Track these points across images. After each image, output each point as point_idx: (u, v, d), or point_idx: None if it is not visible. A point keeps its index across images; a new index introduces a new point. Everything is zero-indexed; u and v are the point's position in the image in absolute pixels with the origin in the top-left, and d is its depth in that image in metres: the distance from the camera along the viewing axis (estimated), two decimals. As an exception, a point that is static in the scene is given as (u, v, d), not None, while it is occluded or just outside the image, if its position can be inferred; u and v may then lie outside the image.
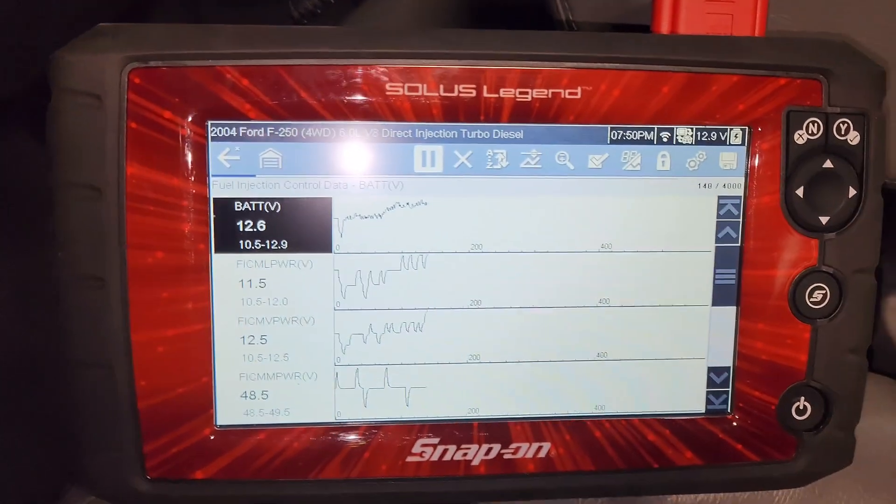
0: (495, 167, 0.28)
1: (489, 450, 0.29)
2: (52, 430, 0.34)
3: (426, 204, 0.28)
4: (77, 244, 0.26)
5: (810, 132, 0.28)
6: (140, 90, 0.26)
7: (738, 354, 0.30)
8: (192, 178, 0.27)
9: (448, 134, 0.27)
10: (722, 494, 0.33)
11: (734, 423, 0.30)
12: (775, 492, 0.33)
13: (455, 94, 0.27)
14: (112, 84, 0.26)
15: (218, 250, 0.27)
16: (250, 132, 0.27)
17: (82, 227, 0.26)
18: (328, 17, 0.39)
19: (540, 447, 0.29)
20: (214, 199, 0.27)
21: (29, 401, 0.43)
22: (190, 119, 0.26)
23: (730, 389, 0.30)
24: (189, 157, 0.26)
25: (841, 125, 0.28)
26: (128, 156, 0.26)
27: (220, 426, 0.28)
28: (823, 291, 0.29)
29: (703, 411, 0.30)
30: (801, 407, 0.30)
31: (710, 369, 0.30)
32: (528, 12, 0.38)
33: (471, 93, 0.27)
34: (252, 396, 0.28)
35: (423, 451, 0.29)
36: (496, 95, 0.27)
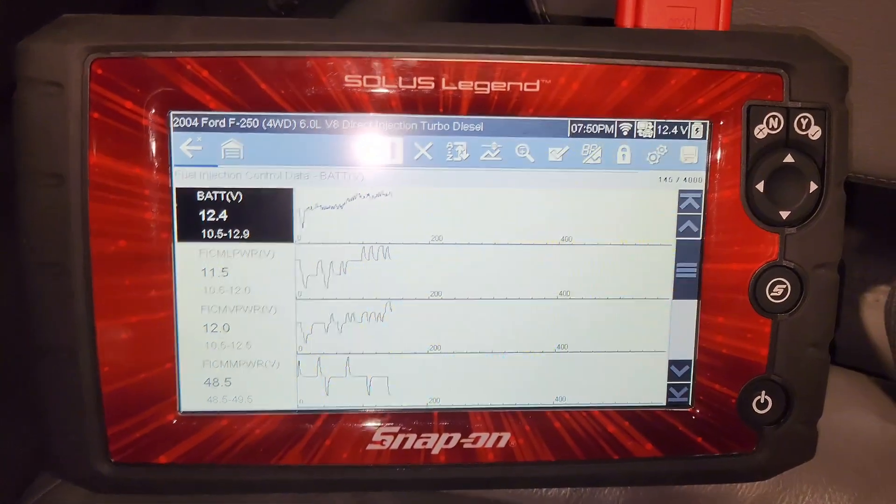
0: (455, 159, 0.28)
1: (449, 439, 0.29)
2: (23, 418, 0.34)
3: (387, 195, 0.28)
4: (41, 231, 0.27)
5: (771, 127, 0.28)
6: (102, 80, 0.26)
7: (699, 348, 0.30)
8: (155, 168, 0.27)
9: (407, 126, 0.28)
10: (685, 487, 0.33)
11: (694, 417, 0.30)
12: (738, 485, 0.33)
13: (414, 86, 0.27)
14: (74, 74, 0.26)
15: (181, 239, 0.28)
16: (212, 122, 0.27)
17: (46, 215, 0.27)
18: (305, 11, 0.39)
19: (500, 437, 0.29)
20: (177, 188, 0.27)
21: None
22: (152, 110, 0.27)
23: (690, 382, 0.30)
24: (152, 147, 0.27)
25: (802, 120, 0.28)
26: (91, 145, 0.26)
27: (184, 412, 0.29)
28: (784, 286, 0.29)
29: (664, 404, 0.30)
30: (762, 401, 0.30)
31: (671, 362, 0.30)
32: (508, 7, 0.38)
33: (430, 85, 0.27)
34: (215, 383, 0.29)
35: (383, 440, 0.29)
36: (455, 88, 0.27)
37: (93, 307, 0.27)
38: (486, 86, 0.27)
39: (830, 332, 0.30)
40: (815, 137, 0.29)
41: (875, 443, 0.34)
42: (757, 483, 0.33)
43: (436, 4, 0.47)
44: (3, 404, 0.34)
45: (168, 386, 0.28)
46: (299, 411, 0.29)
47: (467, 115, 0.28)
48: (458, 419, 0.29)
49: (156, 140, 0.27)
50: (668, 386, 0.30)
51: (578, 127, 0.28)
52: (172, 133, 0.27)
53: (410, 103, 0.27)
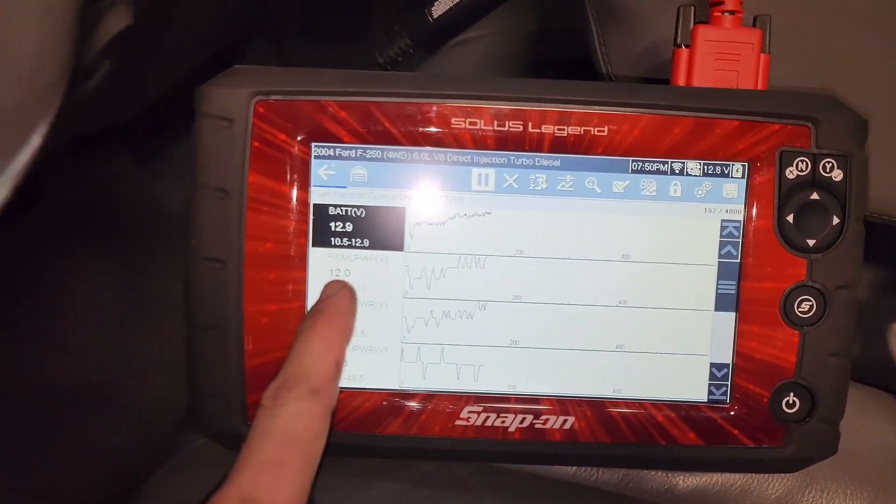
0: (536, 188, 0.34)
1: (523, 419, 0.35)
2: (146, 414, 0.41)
3: (480, 215, 0.35)
4: (207, 233, 0.34)
5: (800, 169, 0.34)
6: (262, 117, 0.33)
7: (736, 353, 0.35)
8: (298, 187, 0.34)
9: (499, 160, 0.34)
10: (722, 482, 0.38)
11: (731, 412, 0.35)
12: (768, 480, 0.38)
13: (506, 128, 0.34)
14: (242, 111, 0.33)
15: (314, 245, 0.34)
16: (344, 153, 0.34)
17: (212, 220, 0.33)
18: (407, 65, 0.47)
19: (565, 420, 0.35)
20: (314, 204, 0.34)
21: (126, 393, 0.51)
22: (299, 140, 0.34)
23: (728, 383, 0.35)
24: (296, 170, 0.34)
25: (826, 164, 0.34)
26: (250, 167, 0.33)
27: (308, 386, 0.35)
28: (810, 303, 0.34)
29: (705, 400, 0.36)
30: (790, 401, 0.35)
31: (712, 364, 0.35)
32: (576, 66, 0.45)
33: (518, 128, 0.34)
34: (334, 363, 0.35)
35: (468, 417, 0.35)
36: (539, 130, 0.34)
37: (242, 295, 0.34)
38: (563, 129, 0.34)
39: (851, 344, 0.35)
40: (838, 179, 0.34)
41: (894, 449, 0.39)
42: (785, 478, 0.38)
43: (505, 64, 0.54)
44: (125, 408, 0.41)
45: (297, 363, 0.35)
46: (401, 390, 0.35)
47: (547, 152, 0.34)
48: (531, 403, 0.35)
49: (300, 165, 0.34)
50: (709, 384, 0.36)
51: (638, 165, 0.34)
52: (313, 160, 0.34)
53: (502, 142, 0.34)
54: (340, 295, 0.32)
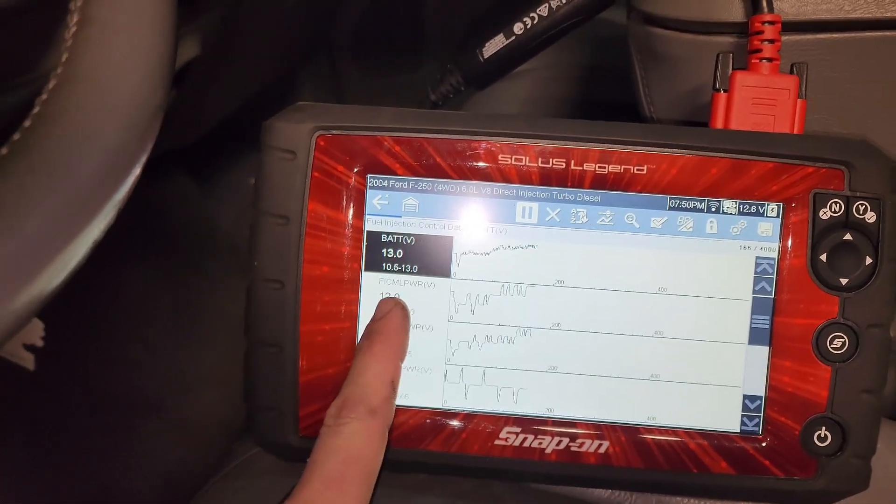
0: (577, 222, 0.36)
1: (559, 441, 0.36)
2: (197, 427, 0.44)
3: (523, 247, 0.37)
4: (268, 256, 0.36)
5: (833, 210, 0.35)
6: (323, 150, 0.36)
7: (769, 386, 0.36)
8: (353, 215, 0.36)
9: (543, 195, 0.36)
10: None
11: (763, 444, 0.36)
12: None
13: (550, 165, 0.36)
14: (304, 144, 0.36)
15: (367, 269, 0.37)
16: (398, 184, 0.36)
17: (273, 244, 0.36)
18: (457, 100, 0.49)
19: (600, 444, 0.36)
20: (368, 231, 0.37)
21: (177, 406, 0.55)
22: (355, 172, 0.36)
23: (761, 414, 0.37)
24: (352, 200, 0.36)
25: (860, 206, 0.35)
26: (310, 196, 0.36)
27: (356, 402, 0.37)
28: (842, 340, 0.36)
29: (738, 431, 0.37)
30: (822, 435, 0.36)
31: (745, 396, 0.37)
32: (621, 107, 0.47)
33: (562, 165, 0.36)
34: (381, 382, 0.37)
35: (507, 437, 0.37)
36: (581, 168, 0.36)
37: (299, 315, 0.36)
38: (605, 167, 0.36)
39: (882, 382, 0.36)
40: (871, 221, 0.35)
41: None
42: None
43: (550, 103, 0.57)
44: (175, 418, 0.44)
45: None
46: (444, 409, 0.37)
47: (589, 188, 0.36)
48: (567, 427, 0.37)
49: (356, 195, 0.36)
50: (742, 415, 0.37)
51: (676, 202, 0.36)
52: (368, 190, 0.36)
53: (546, 178, 0.36)
54: (394, 314, 0.34)
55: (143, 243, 0.74)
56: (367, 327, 0.35)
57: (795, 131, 0.37)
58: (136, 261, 0.72)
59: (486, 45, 0.45)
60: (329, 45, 0.79)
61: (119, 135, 0.21)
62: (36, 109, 0.21)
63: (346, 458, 0.30)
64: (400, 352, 0.34)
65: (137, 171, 0.23)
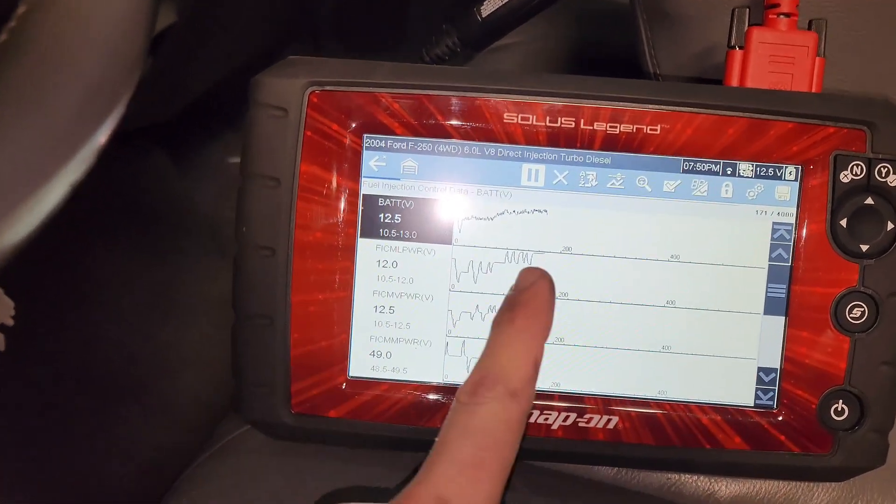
0: (586, 185, 0.34)
1: (567, 417, 0.35)
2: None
3: (528, 212, 0.34)
4: (257, 222, 0.34)
5: (854, 173, 0.34)
6: (316, 107, 0.34)
7: (785, 358, 0.35)
8: (348, 177, 0.34)
9: (550, 156, 0.34)
10: (766, 490, 0.38)
11: (779, 418, 0.35)
12: (813, 489, 0.37)
13: (558, 124, 0.34)
14: (296, 101, 0.33)
15: (363, 235, 0.35)
16: (396, 145, 0.34)
17: (262, 209, 0.34)
18: (452, 63, 0.47)
19: (609, 419, 0.35)
20: (364, 194, 0.34)
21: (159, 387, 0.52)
22: (351, 131, 0.34)
23: (776, 388, 0.35)
24: (347, 161, 0.34)
25: (882, 169, 0.34)
26: (302, 156, 0.34)
27: (352, 377, 0.35)
28: (862, 309, 0.34)
29: (752, 405, 0.35)
30: (839, 408, 0.35)
31: (760, 369, 0.35)
32: (622, 66, 0.45)
33: (570, 124, 0.34)
34: (379, 355, 0.35)
35: (511, 413, 0.35)
36: (591, 128, 0.34)
37: (290, 284, 0.34)
38: (616, 127, 0.34)
39: (902, 353, 0.34)
40: (894, 184, 0.34)
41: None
42: (831, 488, 0.37)
43: (546, 62, 0.55)
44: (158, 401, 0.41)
45: (341, 354, 0.35)
46: (444, 384, 0.35)
47: (599, 150, 0.34)
48: (575, 401, 0.35)
49: (352, 156, 0.34)
50: (757, 389, 0.35)
51: (690, 165, 0.34)
52: (364, 151, 0.34)
53: (554, 138, 0.34)
54: (540, 286, 0.30)
55: (119, 222, 0.71)
56: (507, 298, 0.29)
57: (814, 90, 0.35)
58: (112, 239, 0.69)
59: (484, 3, 0.43)
60: (313, 23, 0.76)
61: (100, 66, 0.18)
62: (3, 38, 0.18)
63: (484, 442, 0.26)
64: (546, 329, 0.29)
65: (121, 109, 0.20)
